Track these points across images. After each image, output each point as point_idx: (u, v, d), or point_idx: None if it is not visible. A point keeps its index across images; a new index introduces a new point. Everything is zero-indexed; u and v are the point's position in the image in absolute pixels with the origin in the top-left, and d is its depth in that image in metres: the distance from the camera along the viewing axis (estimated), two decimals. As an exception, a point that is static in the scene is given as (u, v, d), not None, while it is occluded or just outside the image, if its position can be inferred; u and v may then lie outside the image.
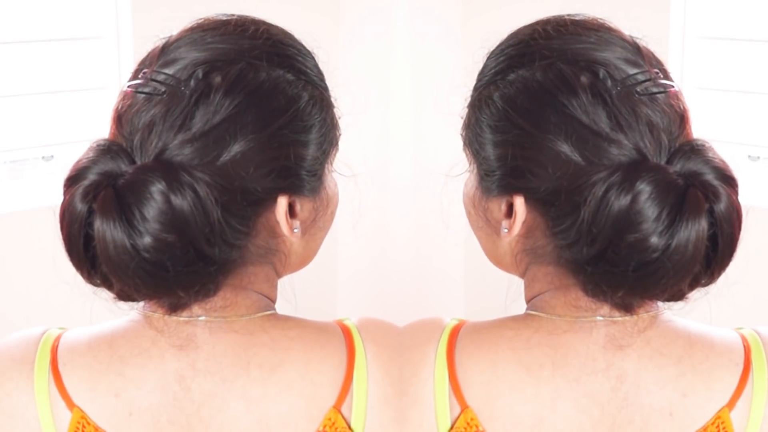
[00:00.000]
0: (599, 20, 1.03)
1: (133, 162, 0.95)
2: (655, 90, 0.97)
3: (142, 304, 1.01)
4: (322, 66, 1.04)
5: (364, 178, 1.13)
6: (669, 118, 0.97)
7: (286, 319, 1.03)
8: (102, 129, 1.03)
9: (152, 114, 0.96)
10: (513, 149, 0.98)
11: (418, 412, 1.00)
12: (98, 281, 0.97)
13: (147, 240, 0.92)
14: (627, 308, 0.99)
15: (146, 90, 0.97)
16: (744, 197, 0.98)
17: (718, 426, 0.98)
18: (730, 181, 0.95)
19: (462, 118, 1.04)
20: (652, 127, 0.95)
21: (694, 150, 0.96)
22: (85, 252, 0.95)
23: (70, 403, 0.98)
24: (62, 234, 0.97)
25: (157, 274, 0.93)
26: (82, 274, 0.97)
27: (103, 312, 1.03)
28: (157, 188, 0.92)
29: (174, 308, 0.99)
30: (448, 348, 1.01)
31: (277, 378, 0.99)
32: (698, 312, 1.03)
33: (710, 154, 0.96)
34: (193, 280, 0.95)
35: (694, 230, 0.92)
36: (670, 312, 1.02)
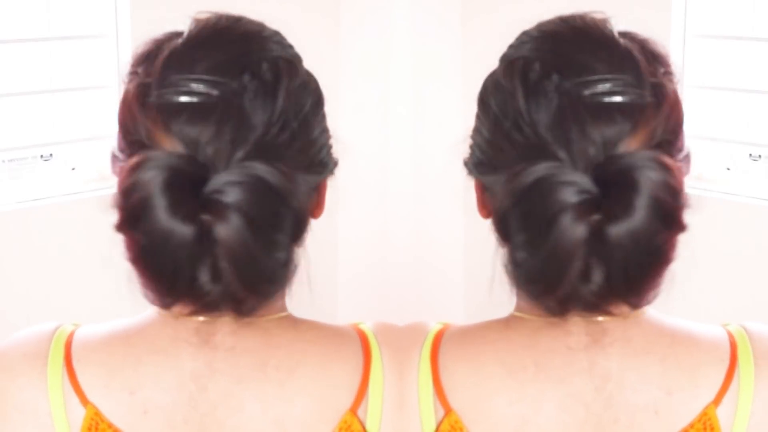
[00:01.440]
0: (592, 20, 1.01)
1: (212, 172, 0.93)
2: (604, 99, 0.95)
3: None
4: (323, 64, 1.04)
5: (364, 177, 1.13)
6: (615, 127, 0.94)
7: (303, 322, 1.03)
8: (101, 128, 1.02)
9: (217, 120, 0.93)
10: (473, 135, 1.02)
11: (404, 416, 1.00)
12: (171, 300, 0.96)
13: (283, 253, 0.94)
14: (553, 311, 0.97)
15: (195, 96, 0.94)
16: (744, 197, 0.98)
17: (704, 423, 0.97)
18: (663, 208, 0.92)
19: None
20: (583, 135, 0.93)
21: (620, 167, 0.92)
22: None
23: (84, 400, 0.98)
24: (161, 262, 0.92)
25: (288, 279, 0.96)
26: (163, 295, 0.95)
27: (103, 312, 1.03)
28: (277, 190, 0.92)
29: (250, 312, 0.97)
30: (432, 352, 1.02)
31: (294, 380, 0.99)
32: (698, 309, 1.02)
33: (640, 174, 0.92)
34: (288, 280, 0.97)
35: (561, 245, 0.91)
36: (656, 310, 1.02)
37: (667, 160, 0.93)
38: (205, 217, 0.90)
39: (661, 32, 1.08)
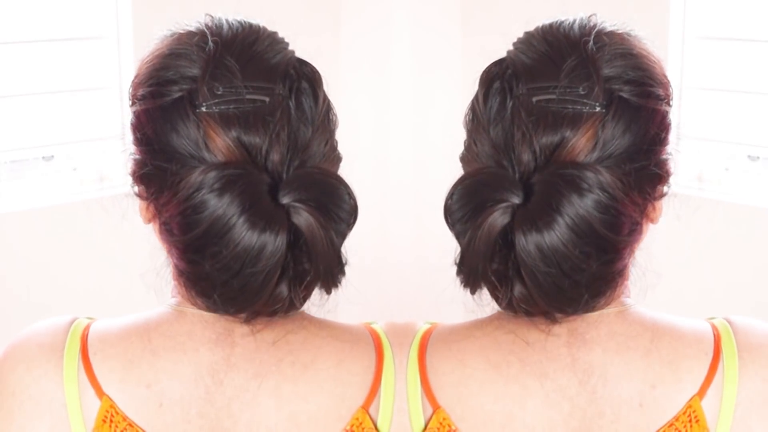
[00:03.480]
0: (567, 25, 1.01)
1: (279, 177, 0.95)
2: (551, 105, 0.95)
3: (175, 300, 1.02)
4: (323, 65, 1.04)
5: (364, 177, 1.14)
6: (556, 136, 0.95)
7: (317, 320, 1.04)
8: (102, 129, 1.02)
9: (275, 125, 0.95)
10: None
11: (395, 415, 1.02)
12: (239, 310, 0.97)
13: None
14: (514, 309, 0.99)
15: (249, 103, 0.95)
16: (744, 197, 0.98)
17: (689, 415, 0.98)
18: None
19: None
20: (524, 140, 0.95)
21: (550, 180, 0.94)
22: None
23: (99, 392, 0.98)
24: (248, 277, 0.93)
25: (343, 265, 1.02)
26: (232, 306, 0.96)
27: (104, 312, 1.03)
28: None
29: None
30: (420, 351, 1.03)
31: (309, 376, 1.00)
32: (696, 309, 1.03)
33: (568, 191, 0.92)
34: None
35: (475, 243, 0.96)
36: (640, 305, 1.02)
37: (606, 176, 0.93)
38: (291, 224, 0.92)
39: (659, 34, 1.09)
